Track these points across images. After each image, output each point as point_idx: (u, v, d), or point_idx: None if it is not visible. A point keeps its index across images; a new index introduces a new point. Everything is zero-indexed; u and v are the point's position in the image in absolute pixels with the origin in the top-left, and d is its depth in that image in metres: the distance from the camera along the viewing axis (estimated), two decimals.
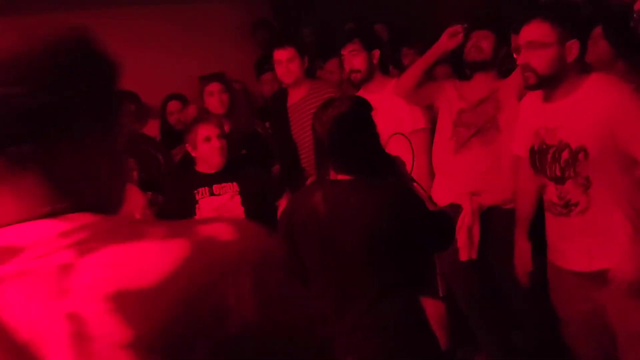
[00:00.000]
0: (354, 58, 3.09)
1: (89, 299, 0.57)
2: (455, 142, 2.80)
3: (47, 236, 0.61)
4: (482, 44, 2.80)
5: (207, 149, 2.84)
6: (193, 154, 2.92)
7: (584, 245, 2.13)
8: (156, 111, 4.32)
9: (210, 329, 0.57)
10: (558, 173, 2.13)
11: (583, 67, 2.13)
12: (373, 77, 3.12)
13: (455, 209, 2.71)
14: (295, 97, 3.43)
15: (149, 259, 0.59)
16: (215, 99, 3.45)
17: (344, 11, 5.14)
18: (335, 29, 4.68)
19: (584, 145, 2.04)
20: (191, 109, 3.87)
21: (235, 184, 2.89)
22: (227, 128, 3.48)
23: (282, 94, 3.55)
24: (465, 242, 2.66)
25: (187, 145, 2.93)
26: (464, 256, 2.68)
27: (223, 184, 2.89)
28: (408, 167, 2.09)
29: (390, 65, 4.05)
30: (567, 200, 2.13)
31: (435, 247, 2.13)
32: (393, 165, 2.00)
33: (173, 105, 4.12)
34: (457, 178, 2.75)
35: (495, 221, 2.71)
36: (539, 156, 2.21)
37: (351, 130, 1.88)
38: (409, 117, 3.01)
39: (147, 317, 0.56)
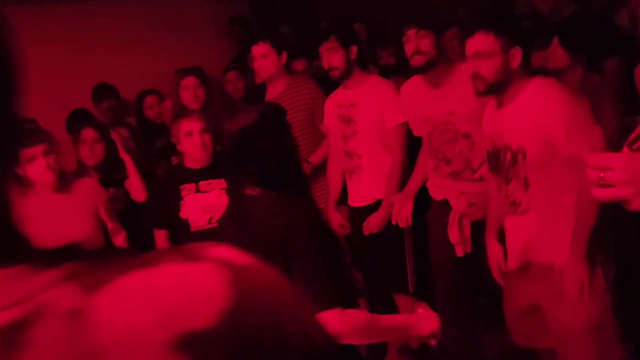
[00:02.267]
0: (332, 55, 3.08)
1: (146, 356, 0.37)
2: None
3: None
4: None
5: (189, 144, 2.79)
6: (179, 149, 2.87)
7: (522, 242, 2.27)
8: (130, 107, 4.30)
9: None
10: (504, 174, 2.28)
11: (527, 72, 2.26)
12: (352, 73, 3.12)
13: (447, 204, 2.79)
14: (273, 92, 3.42)
15: (196, 285, 0.40)
16: (190, 93, 3.38)
17: (322, 9, 5.16)
18: (313, 27, 4.70)
19: (522, 147, 2.17)
20: (168, 103, 3.84)
21: (222, 180, 2.81)
22: None
23: (260, 89, 3.55)
24: (458, 239, 2.73)
25: (172, 139, 2.89)
26: (459, 252, 2.74)
27: (210, 180, 2.81)
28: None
29: (369, 63, 4.10)
30: (513, 200, 2.26)
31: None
32: (302, 181, 1.96)
33: (151, 100, 4.10)
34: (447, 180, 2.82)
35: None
36: (493, 158, 2.33)
37: (255, 145, 1.81)
38: (389, 112, 3.04)
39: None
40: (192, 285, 0.39)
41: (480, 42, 2.22)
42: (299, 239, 1.71)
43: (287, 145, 1.89)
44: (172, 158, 3.35)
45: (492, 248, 2.50)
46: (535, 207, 2.21)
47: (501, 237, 2.51)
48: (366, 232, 3.07)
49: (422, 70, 2.75)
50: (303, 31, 5.00)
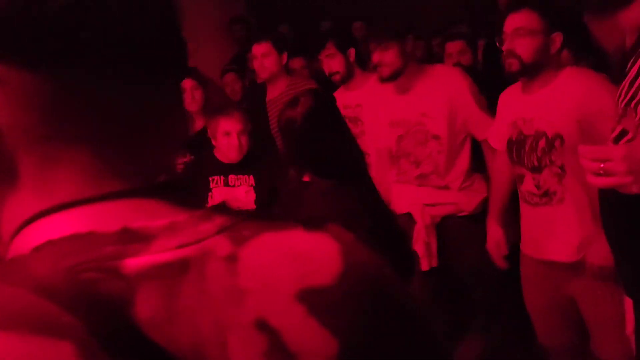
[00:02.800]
0: (331, 61, 3.12)
1: (276, 302, 0.44)
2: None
3: (173, 220, 0.46)
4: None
5: (225, 144, 2.79)
6: (214, 143, 2.86)
7: (560, 234, 2.18)
8: None
9: (385, 325, 0.48)
10: (535, 162, 2.19)
11: (560, 62, 2.22)
12: (353, 74, 3.15)
13: (411, 217, 2.73)
14: (273, 92, 3.42)
15: (317, 250, 0.48)
16: (187, 95, 3.36)
17: (322, 9, 5.14)
18: (312, 26, 4.68)
19: (559, 133, 2.11)
20: None
21: (251, 177, 2.82)
22: (201, 124, 3.43)
23: (260, 89, 3.54)
24: (424, 253, 2.68)
25: (208, 133, 2.88)
26: (425, 266, 2.69)
27: (239, 175, 2.82)
28: None
29: (369, 62, 4.09)
30: (546, 190, 2.18)
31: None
32: (360, 170, 1.94)
33: None
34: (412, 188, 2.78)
35: (450, 230, 2.74)
36: (516, 147, 2.26)
37: (316, 129, 1.82)
38: None
39: (342, 320, 0.45)
40: (314, 250, 0.48)
41: (524, 19, 2.13)
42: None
43: (344, 131, 1.90)
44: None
45: (493, 231, 2.49)
46: (571, 196, 2.14)
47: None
48: None
49: (389, 80, 2.72)
50: (302, 30, 4.98)
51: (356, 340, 0.45)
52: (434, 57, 4.57)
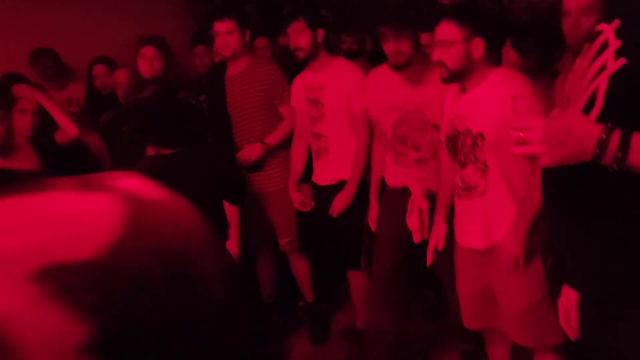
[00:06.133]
0: (299, 36, 3.07)
1: (3, 281, 0.35)
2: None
3: None
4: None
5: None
6: None
7: (482, 225, 2.33)
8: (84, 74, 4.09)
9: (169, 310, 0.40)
10: (462, 158, 2.34)
11: (491, 62, 2.36)
12: (318, 55, 3.12)
13: (406, 191, 2.80)
14: (234, 70, 3.35)
15: (83, 215, 0.39)
16: (146, 62, 3.31)
17: None
18: (277, 6, 4.60)
19: (482, 132, 2.25)
20: (120, 73, 3.67)
21: None
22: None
23: (221, 66, 3.46)
24: (417, 225, 2.73)
25: None
26: (417, 238, 2.74)
27: None
28: None
29: (335, 48, 4.06)
30: (468, 184, 2.34)
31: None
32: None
33: (98, 69, 3.90)
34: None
35: None
36: (452, 142, 2.40)
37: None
38: (356, 95, 3.04)
39: (102, 300, 0.37)
40: (74, 215, 0.37)
41: (444, 31, 2.28)
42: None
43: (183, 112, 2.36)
44: (123, 130, 3.22)
45: (437, 228, 2.58)
46: (493, 191, 2.28)
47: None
48: (335, 214, 3.11)
49: (401, 68, 2.70)
50: (267, 10, 4.90)
51: (120, 323, 0.36)
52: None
